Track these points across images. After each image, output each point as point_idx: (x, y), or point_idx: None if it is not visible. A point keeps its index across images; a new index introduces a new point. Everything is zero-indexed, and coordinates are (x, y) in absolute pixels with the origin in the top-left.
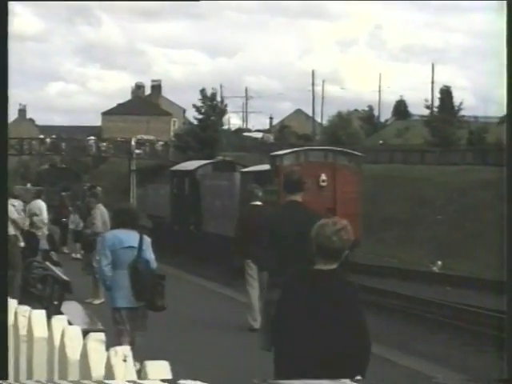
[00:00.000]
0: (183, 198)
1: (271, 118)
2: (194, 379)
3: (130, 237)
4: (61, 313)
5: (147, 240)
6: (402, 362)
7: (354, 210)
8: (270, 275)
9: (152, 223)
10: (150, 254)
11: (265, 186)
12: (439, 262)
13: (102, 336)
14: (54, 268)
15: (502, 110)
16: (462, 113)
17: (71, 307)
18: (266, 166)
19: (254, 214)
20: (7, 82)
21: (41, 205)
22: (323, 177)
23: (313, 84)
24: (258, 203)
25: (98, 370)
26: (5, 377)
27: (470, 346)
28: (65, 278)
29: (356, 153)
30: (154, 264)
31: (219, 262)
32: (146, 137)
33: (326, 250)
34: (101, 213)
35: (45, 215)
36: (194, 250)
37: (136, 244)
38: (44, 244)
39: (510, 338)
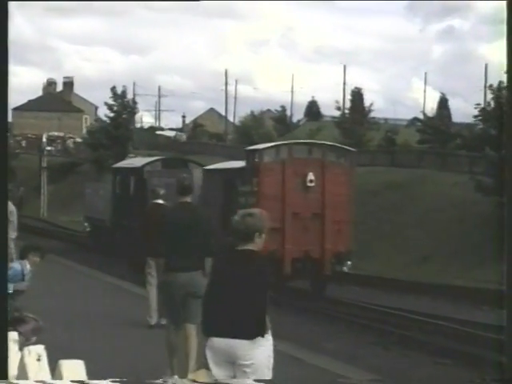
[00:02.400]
0: (127, 198)
1: (184, 117)
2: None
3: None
4: None
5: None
6: (311, 361)
7: (344, 217)
8: (165, 261)
9: (90, 226)
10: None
11: (240, 187)
12: (349, 262)
13: (15, 335)
14: None
15: (409, 113)
16: (372, 114)
17: None
18: (238, 163)
19: (155, 212)
20: (7, 82)
21: None
22: (310, 176)
23: (226, 83)
24: (160, 201)
25: (10, 370)
26: (5, 377)
27: (378, 344)
28: None
29: (348, 148)
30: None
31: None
32: (57, 133)
33: (236, 232)
34: (10, 210)
35: None
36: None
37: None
38: None
39: (509, 338)
